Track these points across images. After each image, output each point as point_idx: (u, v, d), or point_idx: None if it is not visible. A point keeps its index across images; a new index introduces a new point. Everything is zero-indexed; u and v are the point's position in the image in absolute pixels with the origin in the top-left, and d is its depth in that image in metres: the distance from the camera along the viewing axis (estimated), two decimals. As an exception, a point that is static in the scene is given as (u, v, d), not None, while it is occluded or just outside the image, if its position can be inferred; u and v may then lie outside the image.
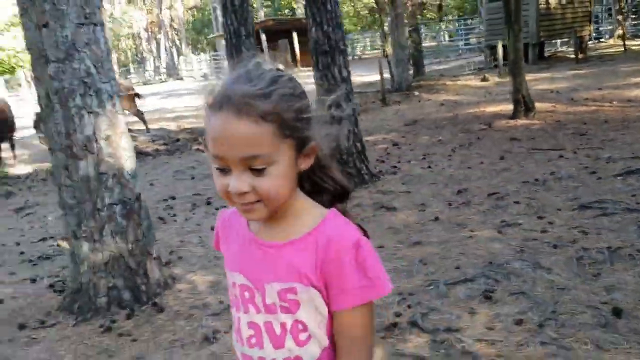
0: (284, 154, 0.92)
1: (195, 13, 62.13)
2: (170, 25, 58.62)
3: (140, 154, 9.39)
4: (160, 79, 46.98)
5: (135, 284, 3.30)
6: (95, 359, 2.80)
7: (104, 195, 3.21)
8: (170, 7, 59.05)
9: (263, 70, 0.93)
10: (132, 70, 60.68)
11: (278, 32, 38.36)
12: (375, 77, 20.18)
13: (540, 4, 15.67)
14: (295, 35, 37.05)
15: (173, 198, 6.05)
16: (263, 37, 35.77)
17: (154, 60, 64.93)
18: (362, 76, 20.81)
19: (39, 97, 3.22)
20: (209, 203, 5.60)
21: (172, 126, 13.53)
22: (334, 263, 0.94)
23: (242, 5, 6.46)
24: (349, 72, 5.31)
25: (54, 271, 4.18)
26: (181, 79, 44.95)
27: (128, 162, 3.33)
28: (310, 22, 5.20)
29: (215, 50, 50.56)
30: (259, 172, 0.90)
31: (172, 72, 51.11)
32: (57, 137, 3.16)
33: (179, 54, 58.66)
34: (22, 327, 3.26)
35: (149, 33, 68.23)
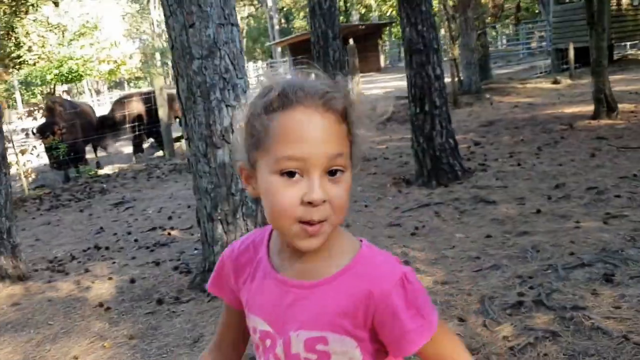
0: (349, 162, 0.85)
1: (252, 21, 63.37)
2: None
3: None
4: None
5: (263, 265, 3.54)
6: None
7: (238, 181, 3.47)
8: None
9: (322, 75, 0.86)
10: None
11: (334, 39, 38.61)
12: None
13: (612, 6, 15.34)
14: (351, 41, 37.44)
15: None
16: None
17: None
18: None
19: (180, 91, 3.52)
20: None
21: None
22: (383, 309, 0.82)
23: (330, 9, 6.72)
24: (442, 71, 5.46)
25: (173, 256, 4.49)
26: (238, 86, 45.86)
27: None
28: (404, 22, 5.38)
29: (272, 58, 51.56)
30: (335, 177, 0.81)
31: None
32: (197, 127, 3.46)
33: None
34: (159, 302, 3.56)
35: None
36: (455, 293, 3.06)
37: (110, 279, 4.13)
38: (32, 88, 69.31)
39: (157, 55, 66.66)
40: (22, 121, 11.76)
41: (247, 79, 3.57)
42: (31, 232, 6.27)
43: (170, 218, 5.86)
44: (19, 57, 16.44)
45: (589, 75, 8.26)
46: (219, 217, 3.49)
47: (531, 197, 4.68)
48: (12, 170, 8.81)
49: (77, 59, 24.29)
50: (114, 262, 4.55)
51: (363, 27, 40.35)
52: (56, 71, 35.14)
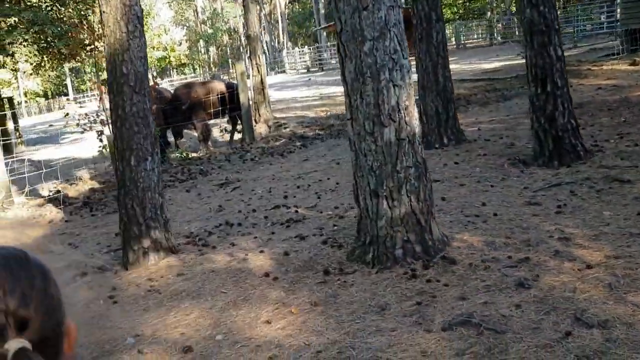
0: None
1: (297, 6, 63.39)
2: (270, 20, 60.24)
3: (303, 137, 9.98)
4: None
5: (423, 239, 3.69)
6: (417, 299, 3.20)
7: (403, 158, 3.62)
8: (270, 2, 60.73)
9: None
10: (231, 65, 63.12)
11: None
12: (490, 65, 19.85)
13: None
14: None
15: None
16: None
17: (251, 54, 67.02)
18: (479, 64, 20.59)
19: (345, 72, 3.67)
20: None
21: (310, 114, 14.13)
22: None
23: (433, -9, 6.75)
24: (562, 51, 5.46)
25: (313, 231, 4.68)
26: (284, 71, 46.16)
27: (417, 129, 3.72)
28: (525, 3, 5.40)
29: (317, 42, 51.55)
30: None
31: (274, 65, 52.59)
32: (364, 107, 3.61)
33: (279, 47, 60.12)
34: (326, 272, 3.75)
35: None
36: (634, 267, 3.13)
37: (261, 252, 4.35)
38: (82, 75, 70.94)
39: (201, 42, 67.39)
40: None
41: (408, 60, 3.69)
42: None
43: (286, 197, 6.06)
44: (91, 44, 16.92)
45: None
46: (385, 194, 3.63)
47: (666, 176, 4.68)
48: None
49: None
50: (255, 237, 4.77)
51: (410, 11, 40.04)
52: (112, 58, 36.02)
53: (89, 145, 12.66)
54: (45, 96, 64.03)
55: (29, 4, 16.19)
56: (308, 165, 7.72)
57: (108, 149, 8.97)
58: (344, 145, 8.63)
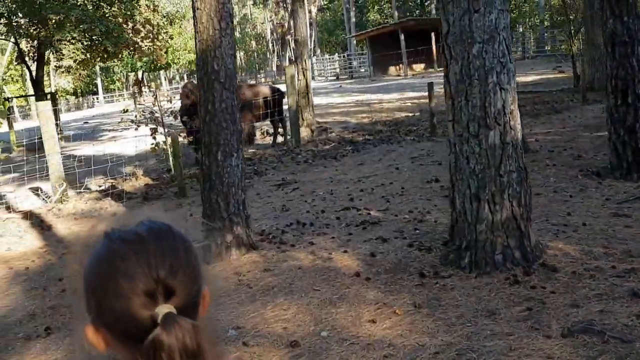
0: None
1: (328, 14, 63.68)
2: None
3: (353, 142, 9.98)
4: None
5: (522, 245, 3.65)
6: (526, 305, 3.16)
7: (506, 162, 3.59)
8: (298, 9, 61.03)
9: None
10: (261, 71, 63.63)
11: (417, 32, 38.40)
12: (527, 78, 19.64)
13: None
14: (433, 35, 37.02)
15: (437, 180, 6.43)
16: (402, 37, 36.08)
17: (279, 60, 67.47)
18: (516, 76, 20.39)
19: (450, 73, 3.66)
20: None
21: (351, 119, 14.14)
22: None
23: None
24: (645, 62, 5.39)
25: (393, 234, 4.66)
26: (312, 78, 46.32)
27: (519, 134, 3.69)
28: (607, 14, 5.34)
29: (346, 50, 51.70)
30: None
31: (301, 71, 52.79)
32: (470, 109, 3.59)
33: (311, 54, 60.41)
34: (422, 275, 3.72)
35: (275, 34, 70.99)
36: None
37: (345, 252, 4.34)
38: (111, 75, 71.89)
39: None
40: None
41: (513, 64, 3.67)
42: (212, 208, 6.62)
43: (352, 199, 6.05)
44: (135, 43, 17.18)
45: None
46: (487, 198, 3.61)
47: None
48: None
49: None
50: (333, 238, 4.77)
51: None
52: (146, 59, 36.48)
53: (128, 142, 12.84)
54: (75, 94, 65.07)
55: (75, 1, 16.50)
56: (365, 169, 7.71)
57: (166, 146, 9.07)
58: (398, 151, 8.63)
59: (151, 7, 17.51)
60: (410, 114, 13.00)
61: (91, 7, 16.34)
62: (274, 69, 64.18)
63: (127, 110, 9.01)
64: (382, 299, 3.47)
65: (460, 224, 3.79)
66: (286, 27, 67.60)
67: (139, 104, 9.10)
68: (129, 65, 36.60)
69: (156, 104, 9.33)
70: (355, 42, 49.92)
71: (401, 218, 5.07)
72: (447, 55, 3.66)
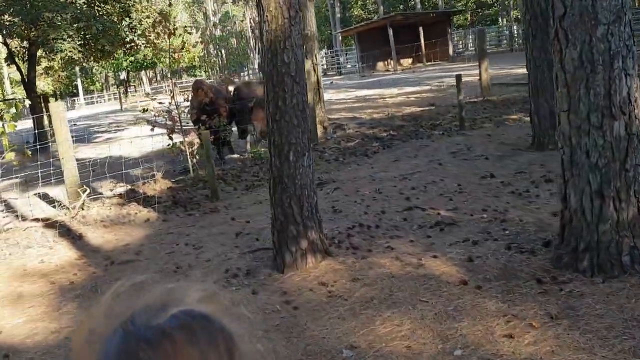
0: None
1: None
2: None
3: (377, 138, 9.65)
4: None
5: (648, 245, 3.35)
6: (676, 312, 2.87)
7: (632, 155, 3.28)
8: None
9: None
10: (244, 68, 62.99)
11: (404, 27, 38.21)
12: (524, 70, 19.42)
13: None
14: (421, 29, 36.82)
15: (492, 176, 6.12)
16: (390, 32, 35.84)
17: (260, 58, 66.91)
18: (511, 69, 20.22)
19: (566, 59, 3.34)
20: (548, 180, 5.61)
21: (359, 115, 13.80)
22: None
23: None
24: None
25: (479, 236, 4.34)
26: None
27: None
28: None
29: (331, 47, 51.36)
30: None
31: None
32: (591, 98, 3.27)
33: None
34: (539, 282, 3.40)
35: (256, 32, 70.40)
36: None
37: (434, 257, 4.01)
38: (91, 75, 70.69)
39: (211, 45, 67.35)
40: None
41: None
42: (253, 211, 6.25)
43: (408, 199, 5.72)
44: (132, 41, 16.64)
45: None
46: (612, 194, 3.30)
47: None
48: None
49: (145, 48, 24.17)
50: (411, 241, 4.43)
51: (433, 14, 39.79)
52: (132, 58, 35.72)
53: (128, 144, 12.36)
54: (55, 96, 63.67)
55: (70, 0, 15.92)
56: (403, 165, 7.38)
57: (184, 146, 8.65)
58: (432, 146, 8.32)
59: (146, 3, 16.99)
60: (425, 108, 12.69)
61: (85, 6, 15.77)
62: (255, 66, 63.65)
63: (146, 110, 8.55)
64: (507, 310, 3.14)
65: (575, 223, 3.48)
66: (267, 24, 66.97)
67: (159, 102, 8.63)
68: (114, 64, 35.83)
69: (173, 102, 8.89)
70: (341, 38, 49.64)
71: (478, 218, 4.75)
72: (561, 40, 3.33)
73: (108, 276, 4.78)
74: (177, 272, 4.57)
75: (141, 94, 57.85)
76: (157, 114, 8.58)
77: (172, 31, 8.62)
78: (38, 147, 9.71)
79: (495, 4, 56.98)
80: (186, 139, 8.85)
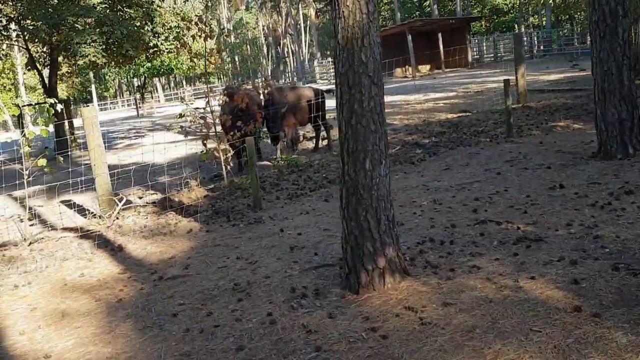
0: None
1: (327, 16, 63.14)
2: (294, 30, 59.89)
3: (419, 145, 9.25)
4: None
5: None
6: None
7: None
8: (297, 12, 60.49)
9: None
10: (259, 75, 62.89)
11: (422, 33, 37.88)
12: (549, 77, 18.84)
13: None
14: (440, 36, 36.41)
15: (562, 186, 5.70)
16: (409, 37, 35.49)
17: (274, 64, 66.86)
18: (535, 75, 19.82)
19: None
20: (629, 192, 5.17)
21: (392, 122, 13.41)
22: None
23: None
24: None
25: (570, 253, 3.91)
26: (314, 81, 45.72)
27: None
28: None
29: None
30: None
31: (301, 75, 52.19)
32: None
33: (307, 57, 59.87)
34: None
35: (270, 38, 70.45)
36: None
37: (532, 278, 3.59)
38: (105, 82, 71.09)
39: (224, 53, 67.57)
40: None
41: None
42: (301, 222, 5.86)
43: (475, 210, 5.30)
44: (155, 46, 16.40)
45: None
46: None
47: None
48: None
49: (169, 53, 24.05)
50: (496, 259, 4.01)
51: (452, 21, 39.37)
52: (149, 64, 35.63)
53: (148, 150, 12.05)
54: (69, 102, 63.92)
55: (93, 4, 15.73)
56: (457, 174, 6.97)
57: (218, 153, 8.29)
58: (482, 154, 7.91)
59: (169, 8, 16.75)
60: (461, 115, 12.27)
61: (108, 10, 15.55)
62: (269, 73, 63.57)
63: (182, 115, 8.20)
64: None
65: None
66: (279, 31, 67.00)
67: (197, 108, 8.28)
68: (132, 70, 35.78)
69: (208, 107, 8.53)
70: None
71: (565, 233, 4.33)
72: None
73: (159, 293, 4.41)
74: (237, 290, 4.18)
75: (155, 100, 57.96)
76: (193, 120, 8.21)
77: (209, 34, 8.27)
78: (56, 153, 9.38)
79: (511, 11, 56.54)
80: (221, 145, 8.49)
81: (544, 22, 44.20)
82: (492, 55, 41.43)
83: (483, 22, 57.37)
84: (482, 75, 27.36)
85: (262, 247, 5.21)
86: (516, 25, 55.07)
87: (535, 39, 41.84)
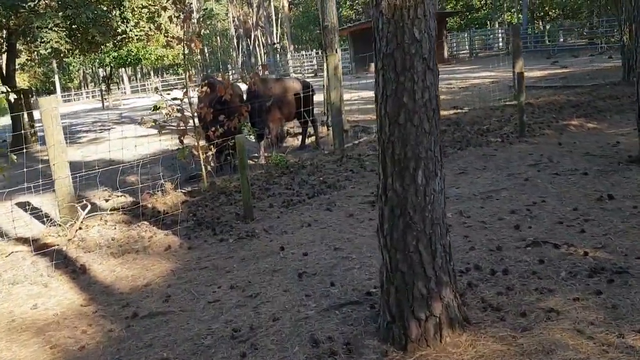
0: None
1: (301, 8, 62.03)
2: (267, 22, 58.56)
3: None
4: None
5: None
6: None
7: None
8: (268, 4, 59.11)
9: None
10: (229, 67, 61.36)
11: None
12: (535, 74, 18.23)
13: None
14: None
15: (611, 197, 4.86)
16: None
17: (244, 57, 65.42)
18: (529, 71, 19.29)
19: None
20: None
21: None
22: None
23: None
24: None
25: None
26: (287, 75, 44.60)
27: None
28: None
29: (321, 46, 50.08)
30: None
31: (272, 69, 50.95)
32: None
33: (278, 51, 58.60)
34: None
35: (240, 30, 68.90)
36: None
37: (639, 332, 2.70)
38: (69, 72, 68.80)
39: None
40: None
41: None
42: (303, 237, 4.90)
43: (517, 227, 4.42)
44: (124, 32, 15.12)
45: None
46: None
47: None
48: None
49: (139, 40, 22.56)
50: (575, 299, 3.11)
51: (430, 16, 38.71)
52: (115, 54, 33.99)
53: (116, 145, 10.87)
54: (31, 93, 61.56)
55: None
56: (475, 180, 6.09)
57: (197, 152, 7.25)
58: (498, 156, 7.06)
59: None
60: (458, 111, 11.44)
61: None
62: (239, 65, 62.12)
63: (157, 108, 7.11)
64: None
65: None
66: (250, 23, 65.50)
67: (174, 98, 7.20)
68: (97, 60, 34.06)
69: (185, 99, 7.45)
70: (331, 38, 48.31)
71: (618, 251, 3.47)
72: None
73: (133, 338, 3.39)
74: (237, 339, 3.19)
75: (122, 92, 55.86)
76: (169, 113, 7.12)
77: (189, 15, 7.19)
78: (9, 150, 8.16)
79: (484, 7, 56.31)
80: (201, 142, 7.44)
81: (518, 19, 43.97)
82: (467, 51, 40.94)
83: (456, 18, 57.05)
84: (461, 71, 26.76)
85: (260, 272, 4.23)
86: (489, 22, 54.95)
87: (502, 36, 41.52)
